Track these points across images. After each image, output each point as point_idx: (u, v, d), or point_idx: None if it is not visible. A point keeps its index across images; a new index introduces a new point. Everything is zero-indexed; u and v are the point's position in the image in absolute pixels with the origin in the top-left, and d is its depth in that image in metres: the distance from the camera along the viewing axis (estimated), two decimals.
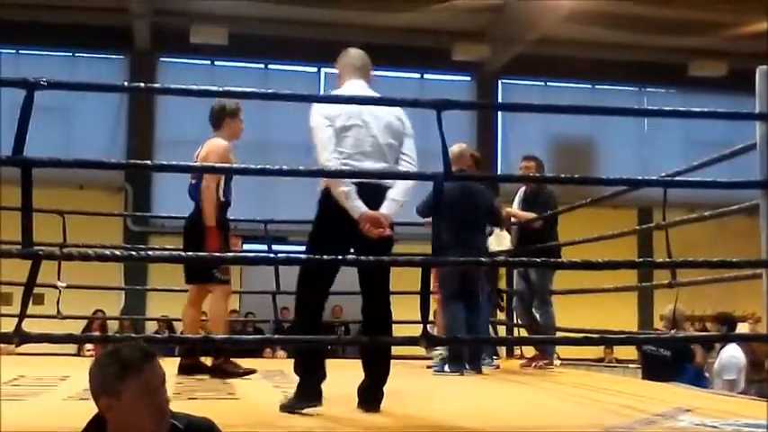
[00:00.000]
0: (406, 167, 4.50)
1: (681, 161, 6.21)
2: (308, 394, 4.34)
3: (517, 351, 8.88)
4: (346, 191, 4.28)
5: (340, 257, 4.11)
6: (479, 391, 5.87)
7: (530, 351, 8.03)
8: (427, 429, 4.17)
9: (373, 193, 4.35)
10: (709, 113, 5.73)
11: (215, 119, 6.44)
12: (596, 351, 13.97)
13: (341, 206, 4.31)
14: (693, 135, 16.36)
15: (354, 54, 4.77)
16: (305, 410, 4.23)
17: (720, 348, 7.73)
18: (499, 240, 7.91)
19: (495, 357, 8.23)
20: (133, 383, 2.49)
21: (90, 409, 4.61)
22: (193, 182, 6.31)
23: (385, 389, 4.48)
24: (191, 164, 5.54)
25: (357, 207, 4.28)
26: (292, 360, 4.62)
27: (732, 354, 7.53)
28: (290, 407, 4.24)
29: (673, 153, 15.94)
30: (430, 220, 6.11)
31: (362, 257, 4.15)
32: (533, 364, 7.53)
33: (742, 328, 12.10)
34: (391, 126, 4.50)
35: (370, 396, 4.45)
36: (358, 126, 4.41)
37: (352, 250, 4.37)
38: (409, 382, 5.95)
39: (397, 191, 4.42)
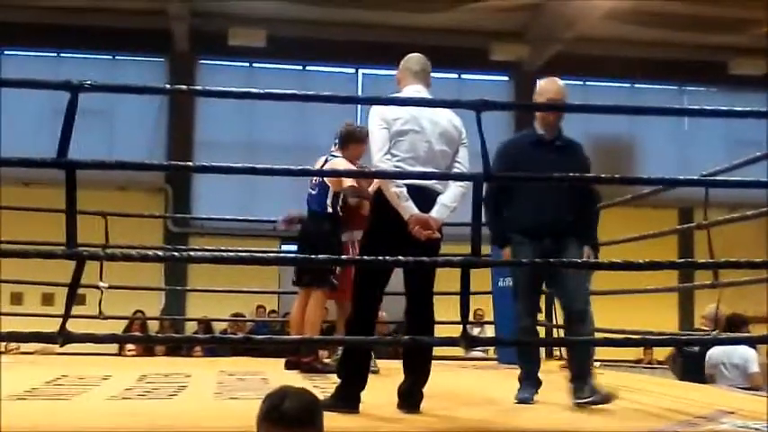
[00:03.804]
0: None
1: (722, 160, 6.15)
2: (346, 399, 4.36)
3: (556, 352, 8.83)
4: (398, 191, 4.35)
5: (380, 258, 4.12)
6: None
7: None
8: (468, 430, 4.16)
9: (425, 198, 4.42)
10: (748, 112, 5.65)
11: (342, 140, 6.75)
12: (635, 352, 13.84)
13: (392, 207, 4.37)
14: (735, 134, 16.15)
15: (414, 59, 4.81)
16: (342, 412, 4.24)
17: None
18: None
19: None
20: None
21: (132, 406, 4.67)
22: (313, 192, 6.69)
23: (425, 390, 4.49)
24: (231, 165, 5.57)
25: (408, 208, 4.35)
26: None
27: (711, 352, 7.58)
28: (328, 406, 4.24)
29: (714, 152, 15.74)
30: None
31: (403, 258, 4.16)
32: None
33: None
34: (447, 133, 4.57)
35: (410, 397, 4.47)
36: (414, 131, 4.48)
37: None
38: (449, 383, 5.95)
39: (448, 196, 4.49)
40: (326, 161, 6.68)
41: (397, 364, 4.68)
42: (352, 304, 4.61)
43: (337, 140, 6.80)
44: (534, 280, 5.21)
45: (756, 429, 3.98)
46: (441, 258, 4.37)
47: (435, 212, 4.42)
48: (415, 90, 4.67)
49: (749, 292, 7.96)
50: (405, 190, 4.36)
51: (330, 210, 6.60)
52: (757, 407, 4.85)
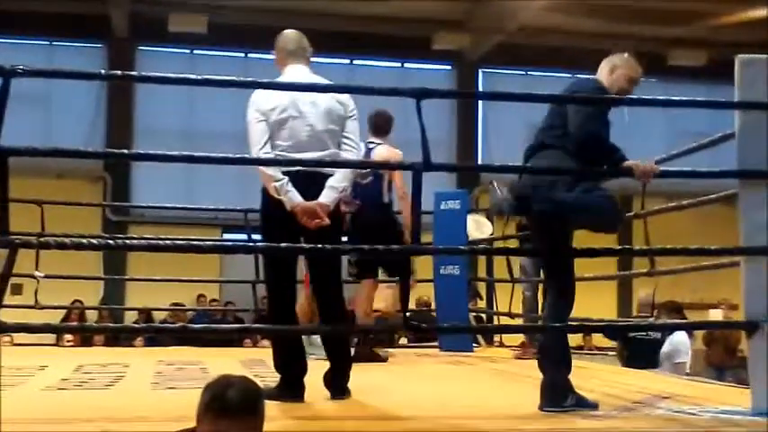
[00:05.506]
0: (348, 151, 4.50)
1: (662, 151, 6.23)
2: (290, 388, 4.36)
3: (496, 339, 8.91)
4: (277, 186, 4.28)
5: (319, 246, 4.11)
6: (458, 381, 5.87)
7: (512, 339, 8.04)
8: (398, 420, 4.12)
9: (314, 183, 4.34)
10: (687, 102, 5.77)
11: (385, 126, 6.64)
12: (575, 339, 14.03)
13: (278, 200, 4.30)
14: (675, 125, 16.41)
15: (289, 36, 4.71)
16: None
17: (669, 334, 7.80)
18: (479, 227, 7.85)
19: (475, 345, 8.26)
20: (206, 426, 2.40)
21: (68, 397, 4.61)
22: (363, 182, 6.41)
23: (373, 379, 4.49)
24: (168, 153, 5.50)
25: (290, 199, 4.28)
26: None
27: (680, 339, 7.64)
28: (272, 396, 4.18)
29: (654, 143, 15.96)
30: None
31: (350, 246, 4.16)
32: (524, 353, 7.44)
33: (715, 315, 12.19)
34: (331, 111, 4.46)
35: (336, 383, 4.48)
36: (293, 117, 4.39)
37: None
38: (393, 372, 5.96)
39: (337, 178, 4.40)
40: (369, 150, 6.51)
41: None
42: (267, 295, 4.58)
43: (376, 128, 6.66)
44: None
45: (691, 414, 4.05)
46: (381, 246, 4.34)
47: (324, 197, 4.33)
48: (297, 71, 4.55)
49: (684, 280, 8.10)
50: (284, 182, 4.27)
51: (386, 199, 6.51)
52: (691, 392, 4.94)
